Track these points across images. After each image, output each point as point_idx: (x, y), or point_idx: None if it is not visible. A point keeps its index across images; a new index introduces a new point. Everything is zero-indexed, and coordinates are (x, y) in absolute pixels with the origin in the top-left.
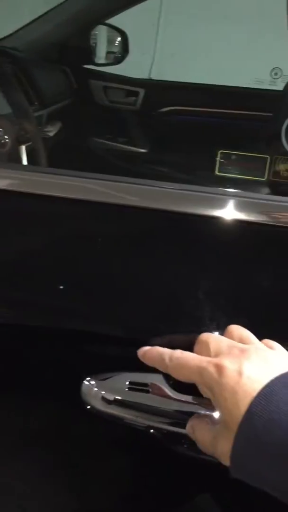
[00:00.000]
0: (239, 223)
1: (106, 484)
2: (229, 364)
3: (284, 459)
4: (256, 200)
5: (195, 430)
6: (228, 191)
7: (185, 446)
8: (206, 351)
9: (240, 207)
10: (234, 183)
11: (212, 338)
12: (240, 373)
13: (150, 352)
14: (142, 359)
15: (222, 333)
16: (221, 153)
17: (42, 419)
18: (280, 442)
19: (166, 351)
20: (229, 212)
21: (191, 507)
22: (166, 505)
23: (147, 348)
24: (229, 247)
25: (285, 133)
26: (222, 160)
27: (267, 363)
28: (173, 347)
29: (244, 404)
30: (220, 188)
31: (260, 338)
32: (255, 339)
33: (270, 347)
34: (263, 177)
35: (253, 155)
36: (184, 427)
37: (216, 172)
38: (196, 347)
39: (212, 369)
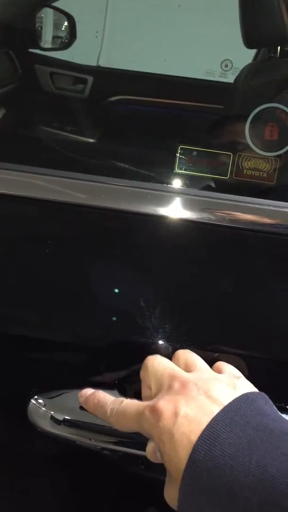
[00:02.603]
0: (184, 221)
1: (51, 506)
2: (165, 406)
3: (235, 508)
4: (201, 198)
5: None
6: (172, 188)
7: (142, 467)
8: (148, 380)
9: (185, 205)
10: (194, 180)
11: (155, 367)
12: (176, 414)
13: (92, 400)
14: (83, 405)
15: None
16: (181, 148)
17: None
18: (228, 489)
19: (107, 400)
20: (175, 210)
21: None
22: None
23: (88, 393)
24: (174, 246)
25: (249, 128)
26: (182, 156)
27: (209, 397)
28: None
29: (183, 449)
30: (164, 185)
31: (207, 342)
32: (201, 364)
33: (219, 371)
34: (226, 175)
35: (215, 151)
36: (142, 448)
37: (176, 169)
38: (141, 372)
39: (148, 414)
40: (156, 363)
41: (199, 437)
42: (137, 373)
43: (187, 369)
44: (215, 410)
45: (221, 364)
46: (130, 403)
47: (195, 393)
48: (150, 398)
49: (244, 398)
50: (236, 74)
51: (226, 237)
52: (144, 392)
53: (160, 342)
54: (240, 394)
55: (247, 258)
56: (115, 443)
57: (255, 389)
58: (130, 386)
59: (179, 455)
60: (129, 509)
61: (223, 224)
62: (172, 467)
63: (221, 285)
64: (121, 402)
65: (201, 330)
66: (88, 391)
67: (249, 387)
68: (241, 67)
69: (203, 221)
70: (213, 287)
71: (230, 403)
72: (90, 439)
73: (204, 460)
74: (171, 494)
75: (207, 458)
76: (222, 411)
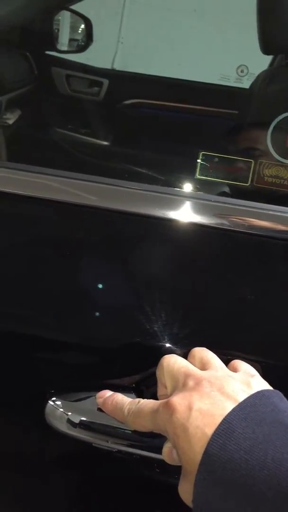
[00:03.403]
0: (196, 226)
1: (64, 507)
2: (179, 401)
3: (249, 501)
4: (214, 203)
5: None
6: (186, 192)
7: (158, 470)
8: (164, 379)
9: (197, 209)
10: (214, 187)
11: (170, 366)
12: (189, 408)
13: (109, 402)
14: (101, 407)
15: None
16: (203, 154)
17: (0, 437)
18: (243, 482)
19: (124, 401)
20: (187, 214)
21: None
22: None
23: (106, 395)
24: (186, 250)
25: (271, 137)
26: (203, 162)
27: (223, 393)
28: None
29: (197, 442)
30: (178, 189)
31: (223, 348)
32: (217, 362)
33: (235, 370)
34: (246, 182)
35: (236, 158)
36: (158, 451)
37: (197, 175)
38: (157, 371)
39: (162, 410)
40: (172, 362)
41: (214, 431)
42: (154, 376)
43: (203, 367)
44: (229, 405)
45: (236, 363)
46: (146, 402)
47: (208, 389)
48: (165, 397)
49: (259, 395)
50: (252, 79)
51: (246, 243)
52: (160, 391)
53: (176, 346)
54: (254, 391)
55: (267, 265)
56: (131, 446)
57: (269, 387)
58: (147, 389)
59: (193, 449)
60: (141, 510)
61: (243, 230)
62: (186, 460)
63: (239, 292)
64: (138, 402)
65: (218, 336)
66: (106, 393)
67: (263, 385)
68: (257, 73)
69: (223, 227)
70: (230, 294)
71: (245, 399)
72: (107, 441)
73: (219, 454)
74: (185, 489)
75: (222, 452)
76: (238, 406)
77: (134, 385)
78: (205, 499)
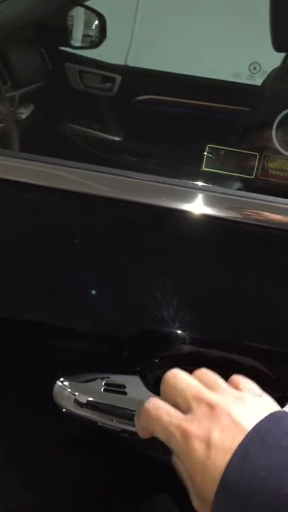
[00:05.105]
0: (208, 218)
1: (71, 484)
2: (196, 431)
3: None
4: (226, 196)
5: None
6: (198, 185)
7: (160, 451)
8: (172, 396)
9: (210, 202)
10: (221, 179)
11: (178, 385)
12: (208, 445)
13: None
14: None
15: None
16: (209, 147)
17: (10, 417)
18: (259, 510)
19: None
20: (199, 206)
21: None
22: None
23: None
24: (197, 242)
25: (276, 131)
26: (209, 155)
27: (238, 423)
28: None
29: (214, 474)
30: (190, 182)
31: (228, 341)
32: (222, 384)
33: (236, 386)
34: (252, 175)
35: (242, 151)
36: None
37: (203, 167)
38: (162, 386)
39: (179, 437)
40: (179, 381)
41: (231, 458)
42: (160, 359)
43: (209, 389)
44: (244, 432)
45: (237, 379)
46: (164, 411)
47: (225, 419)
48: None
49: (273, 418)
50: (265, 76)
51: (252, 234)
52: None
53: (184, 332)
54: (267, 414)
55: (270, 256)
56: (135, 425)
57: (278, 406)
58: (151, 373)
59: (209, 482)
60: (144, 489)
61: (249, 222)
62: (202, 489)
63: (245, 282)
64: (155, 400)
65: (225, 326)
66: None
67: (272, 405)
68: (269, 70)
69: (229, 219)
70: (237, 284)
71: (259, 424)
72: (112, 421)
73: (236, 482)
74: (202, 509)
75: (239, 479)
76: (253, 430)
77: (138, 368)
78: None
